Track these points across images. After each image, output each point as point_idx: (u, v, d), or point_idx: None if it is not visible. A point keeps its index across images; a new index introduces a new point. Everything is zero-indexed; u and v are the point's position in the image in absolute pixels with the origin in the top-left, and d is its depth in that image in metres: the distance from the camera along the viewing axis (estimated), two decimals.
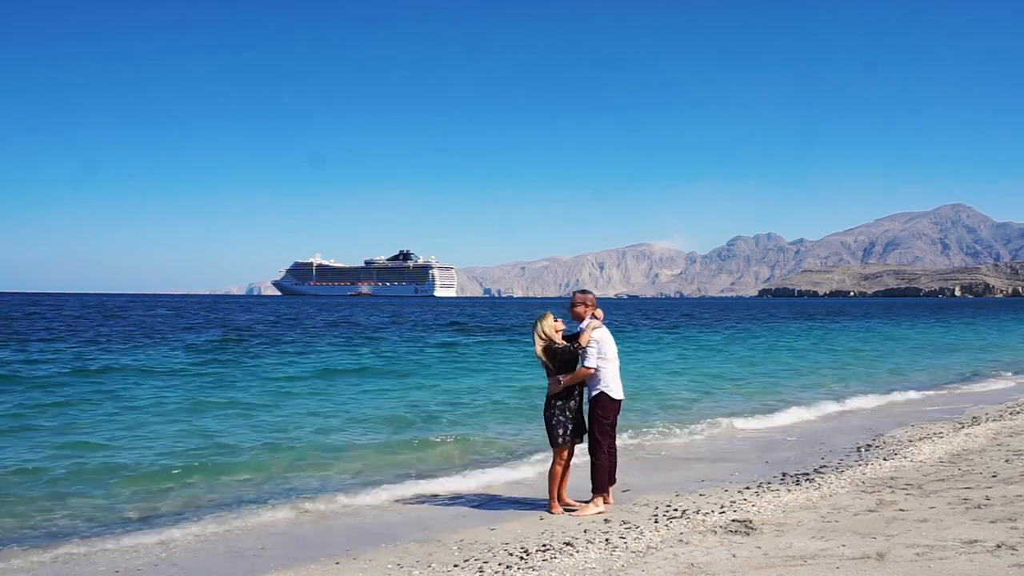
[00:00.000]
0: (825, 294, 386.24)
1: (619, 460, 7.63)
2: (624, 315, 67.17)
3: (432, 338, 32.98)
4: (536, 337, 7.25)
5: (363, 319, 52.81)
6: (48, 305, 76.95)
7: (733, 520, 6.60)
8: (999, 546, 5.58)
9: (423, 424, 12.09)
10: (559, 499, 7.30)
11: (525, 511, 7.31)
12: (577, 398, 7.28)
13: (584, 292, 7.50)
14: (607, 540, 6.14)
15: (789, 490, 7.75)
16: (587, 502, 7.30)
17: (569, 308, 7.44)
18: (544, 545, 6.08)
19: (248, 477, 8.67)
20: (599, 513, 7.10)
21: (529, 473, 8.86)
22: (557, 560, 5.68)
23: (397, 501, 7.78)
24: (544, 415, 7.29)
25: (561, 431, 7.17)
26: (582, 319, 7.39)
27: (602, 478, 7.26)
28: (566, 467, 7.34)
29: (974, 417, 12.75)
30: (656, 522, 6.66)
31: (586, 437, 7.34)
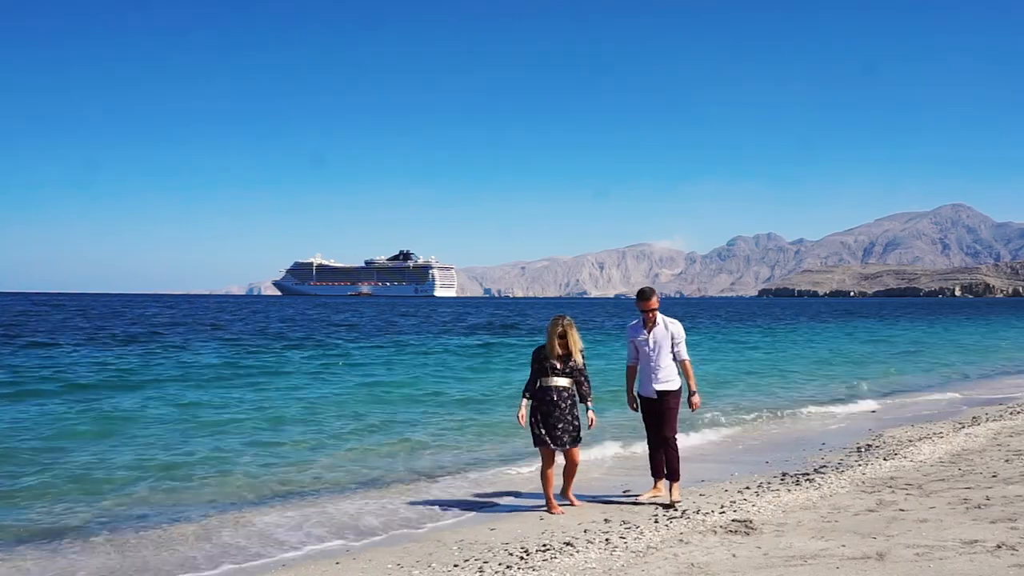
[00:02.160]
0: (825, 294, 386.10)
1: (618, 462, 7.66)
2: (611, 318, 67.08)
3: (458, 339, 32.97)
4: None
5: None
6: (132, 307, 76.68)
7: (733, 520, 6.59)
8: (999, 546, 5.57)
9: (424, 423, 12.08)
10: (560, 497, 7.30)
11: (525, 511, 7.31)
12: (555, 403, 7.09)
13: (650, 288, 7.64)
14: (607, 540, 6.14)
15: (789, 490, 7.75)
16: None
17: (643, 304, 7.44)
18: (544, 545, 6.07)
19: (247, 478, 8.66)
20: (652, 501, 7.43)
21: (530, 473, 8.85)
22: (557, 560, 5.67)
23: (397, 501, 7.77)
24: None
25: (535, 431, 7.16)
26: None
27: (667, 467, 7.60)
28: (561, 467, 7.28)
29: (974, 417, 12.75)
30: (656, 522, 6.66)
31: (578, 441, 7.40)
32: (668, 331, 7.48)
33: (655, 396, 7.45)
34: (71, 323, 41.36)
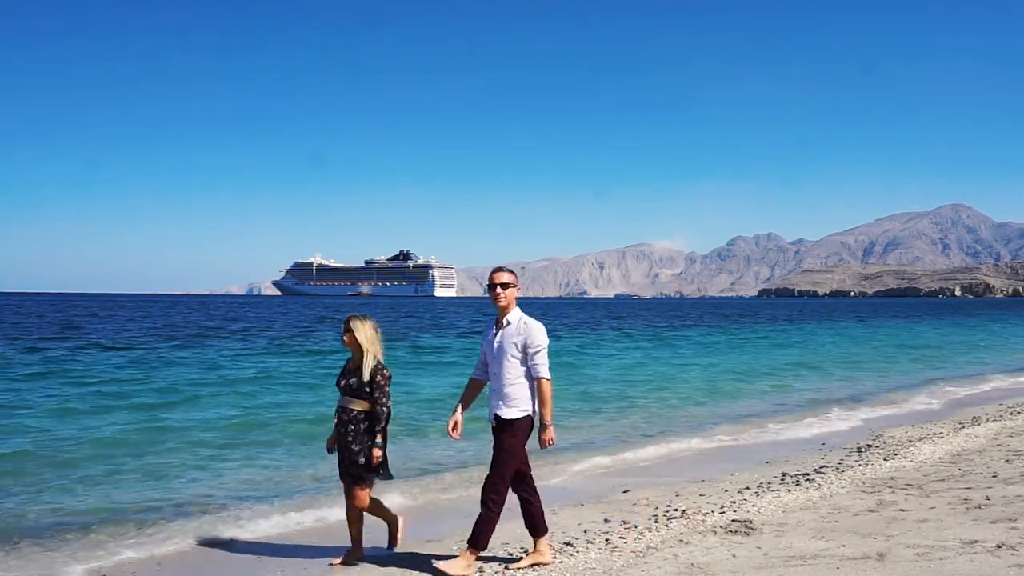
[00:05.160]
0: (825, 294, 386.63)
1: (616, 464, 7.56)
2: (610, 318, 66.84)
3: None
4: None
5: None
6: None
7: (733, 520, 6.58)
8: (999, 546, 5.56)
9: (424, 423, 12.06)
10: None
11: None
12: (343, 425, 5.70)
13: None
14: (607, 540, 6.13)
15: (789, 490, 7.74)
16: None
17: (502, 290, 5.42)
18: None
19: (246, 478, 8.65)
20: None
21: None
22: (557, 560, 5.66)
23: (398, 501, 7.76)
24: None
25: None
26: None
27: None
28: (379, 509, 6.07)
29: (974, 417, 12.75)
30: (656, 522, 6.65)
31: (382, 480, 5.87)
32: (520, 334, 5.35)
33: (493, 421, 5.48)
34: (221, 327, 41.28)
